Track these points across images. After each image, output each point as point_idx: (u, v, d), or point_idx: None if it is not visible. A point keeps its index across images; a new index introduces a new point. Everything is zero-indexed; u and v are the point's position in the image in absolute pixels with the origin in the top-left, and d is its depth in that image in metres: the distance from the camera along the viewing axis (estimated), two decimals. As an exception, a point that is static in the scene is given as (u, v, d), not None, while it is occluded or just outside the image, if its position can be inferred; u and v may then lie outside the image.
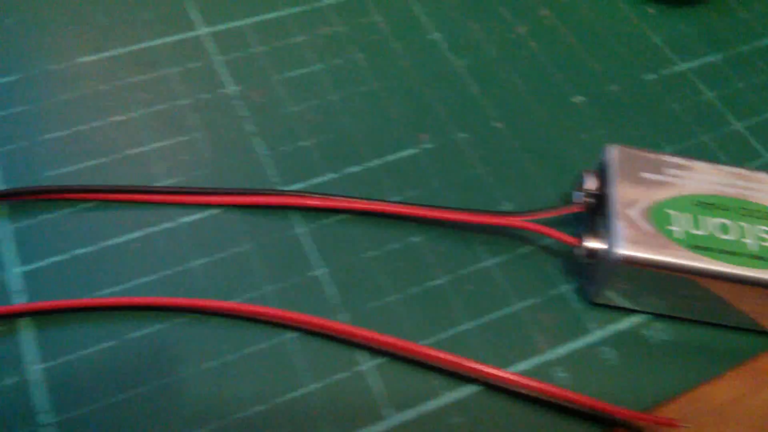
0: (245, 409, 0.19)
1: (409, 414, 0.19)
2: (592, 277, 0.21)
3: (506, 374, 0.19)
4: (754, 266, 0.19)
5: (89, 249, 0.21)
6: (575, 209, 0.21)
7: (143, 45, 0.26)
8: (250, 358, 0.20)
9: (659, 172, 0.21)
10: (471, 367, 0.19)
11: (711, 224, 0.20)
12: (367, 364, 0.20)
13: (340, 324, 0.20)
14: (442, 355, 0.19)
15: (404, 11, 0.28)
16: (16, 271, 0.21)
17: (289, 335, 0.20)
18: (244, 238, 0.22)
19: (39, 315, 0.20)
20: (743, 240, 0.20)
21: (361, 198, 0.22)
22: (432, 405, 0.19)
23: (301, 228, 0.22)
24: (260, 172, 0.23)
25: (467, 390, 0.20)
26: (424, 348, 0.19)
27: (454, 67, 0.26)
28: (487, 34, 0.28)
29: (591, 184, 0.21)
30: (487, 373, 0.19)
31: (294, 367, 0.20)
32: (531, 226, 0.21)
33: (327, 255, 0.22)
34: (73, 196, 0.22)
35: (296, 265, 0.21)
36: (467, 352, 0.20)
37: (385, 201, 0.22)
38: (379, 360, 0.20)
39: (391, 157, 0.24)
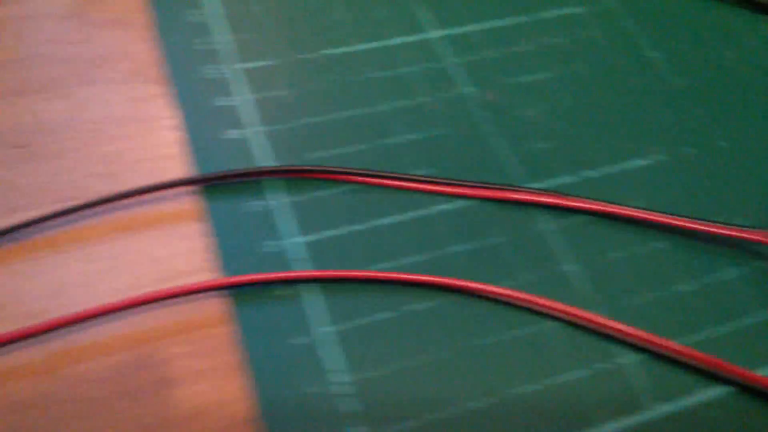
0: (516, 386, 0.20)
1: (668, 407, 0.20)
2: (833, 295, 0.22)
3: (761, 377, 0.20)
4: None
5: (359, 227, 0.23)
6: (819, 230, 0.23)
7: (381, 43, 0.28)
8: (514, 341, 0.21)
9: None
10: (731, 369, 0.20)
11: None
12: (624, 357, 0.21)
13: (604, 318, 0.21)
14: (702, 355, 0.21)
15: (620, 28, 0.29)
16: (298, 241, 0.23)
17: (549, 324, 0.22)
18: (494, 229, 0.23)
19: (325, 282, 0.22)
20: None
21: (606, 201, 0.24)
22: (689, 401, 0.21)
23: (546, 225, 0.24)
24: (501, 170, 0.25)
25: (721, 390, 0.21)
26: (685, 347, 0.21)
27: (673, 85, 0.28)
28: (698, 56, 0.29)
29: (836, 207, 0.23)
30: (745, 375, 0.20)
31: (554, 353, 0.21)
32: (781, 242, 0.22)
33: (575, 252, 0.23)
34: (342, 177, 0.24)
35: (544, 260, 0.23)
36: (717, 356, 0.21)
37: (631, 206, 0.23)
38: (636, 354, 0.21)
39: (623, 166, 0.25)
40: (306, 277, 0.21)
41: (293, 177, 0.24)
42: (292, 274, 0.21)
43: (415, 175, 0.24)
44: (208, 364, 0.21)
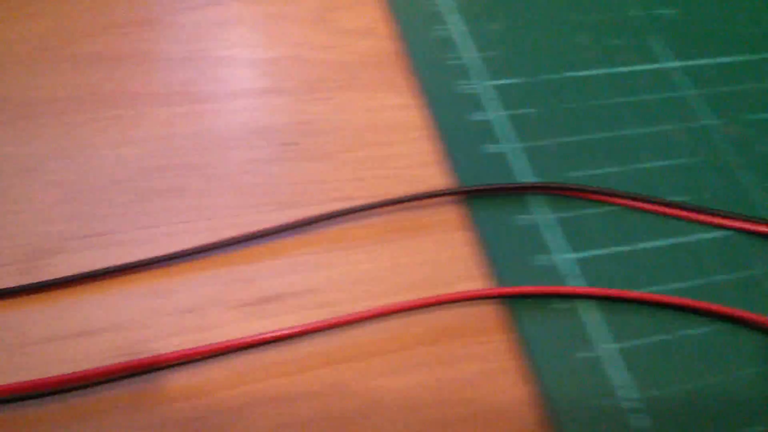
0: (795, 418, 0.21)
1: None
2: None
3: None
4: None
5: (624, 248, 0.24)
6: None
7: (619, 69, 0.29)
8: (788, 373, 0.22)
9: None
10: None
11: None
12: None
13: None
14: None
15: None
16: (568, 257, 0.23)
17: (819, 359, 0.22)
18: (755, 262, 0.24)
19: (600, 299, 0.23)
20: None
21: None
22: None
23: (803, 262, 0.24)
24: (750, 203, 0.25)
25: None
26: None
27: None
28: None
29: None
30: None
31: (827, 388, 0.22)
32: None
33: (835, 291, 0.24)
34: (605, 198, 0.25)
35: (804, 295, 0.23)
36: None
37: None
38: None
39: None
40: (586, 293, 0.22)
41: (556, 194, 0.25)
42: (572, 289, 0.22)
43: (677, 202, 0.25)
44: (494, 368, 0.22)
